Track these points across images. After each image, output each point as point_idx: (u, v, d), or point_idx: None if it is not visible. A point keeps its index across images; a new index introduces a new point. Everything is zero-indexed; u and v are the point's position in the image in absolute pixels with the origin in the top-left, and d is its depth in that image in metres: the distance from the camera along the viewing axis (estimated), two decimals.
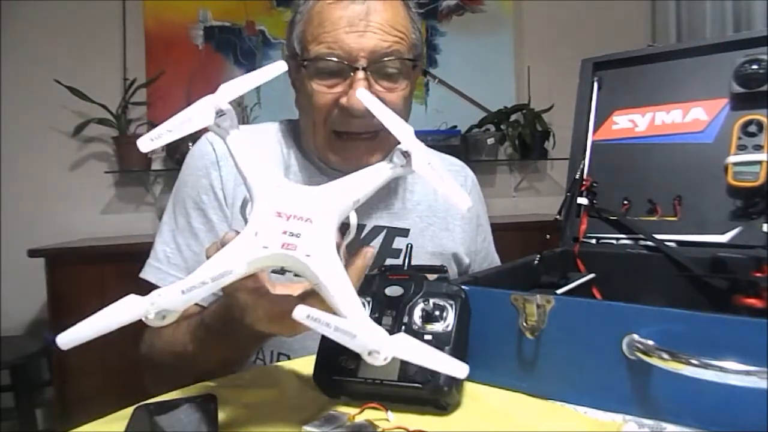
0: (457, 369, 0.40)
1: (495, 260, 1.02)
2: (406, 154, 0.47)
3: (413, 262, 0.75)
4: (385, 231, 0.85)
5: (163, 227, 0.82)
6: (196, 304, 0.79)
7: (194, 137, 0.64)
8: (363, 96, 0.52)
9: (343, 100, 0.74)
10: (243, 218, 0.47)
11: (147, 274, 0.80)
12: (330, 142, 0.79)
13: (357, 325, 0.40)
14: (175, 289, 0.41)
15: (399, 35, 0.75)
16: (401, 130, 0.48)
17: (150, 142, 0.43)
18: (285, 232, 0.43)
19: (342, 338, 0.39)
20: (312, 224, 0.44)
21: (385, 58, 0.74)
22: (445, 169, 0.46)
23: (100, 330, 0.39)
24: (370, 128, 0.76)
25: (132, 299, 0.40)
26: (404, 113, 0.80)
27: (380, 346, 0.39)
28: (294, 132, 0.88)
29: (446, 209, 0.90)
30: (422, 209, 0.89)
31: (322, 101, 0.76)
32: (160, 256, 0.80)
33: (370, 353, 0.39)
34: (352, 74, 0.73)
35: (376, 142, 0.78)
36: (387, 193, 0.87)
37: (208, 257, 0.46)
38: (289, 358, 0.81)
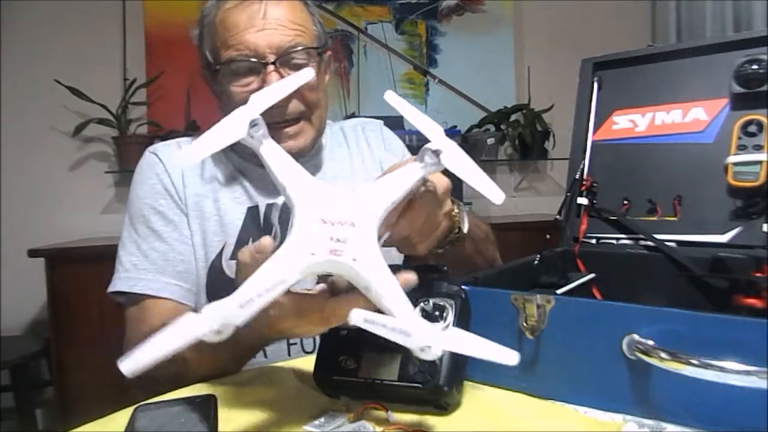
0: (509, 357, 0.42)
1: None
2: (436, 153, 0.47)
3: None
4: None
5: (124, 242, 0.85)
6: (188, 307, 0.81)
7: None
8: (390, 97, 0.53)
9: None
10: (274, 224, 0.46)
11: (116, 286, 0.81)
12: None
13: (410, 323, 0.42)
14: (231, 304, 0.41)
15: (299, 28, 0.81)
16: (431, 129, 0.49)
17: (189, 157, 0.44)
18: (331, 238, 0.44)
19: (397, 337, 0.41)
20: (355, 228, 0.44)
21: (291, 51, 0.80)
22: (475, 164, 0.47)
23: (162, 354, 0.39)
24: (292, 115, 0.82)
25: (190, 318, 0.40)
26: (320, 97, 0.86)
27: (433, 342, 0.41)
28: None
29: (364, 166, 0.96)
30: (347, 173, 0.95)
31: (241, 98, 0.79)
32: (127, 266, 0.82)
33: (422, 349, 0.41)
34: (263, 70, 0.79)
35: (298, 127, 0.84)
36: (316, 168, 0.93)
37: (242, 262, 0.48)
38: (264, 353, 0.82)
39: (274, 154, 0.48)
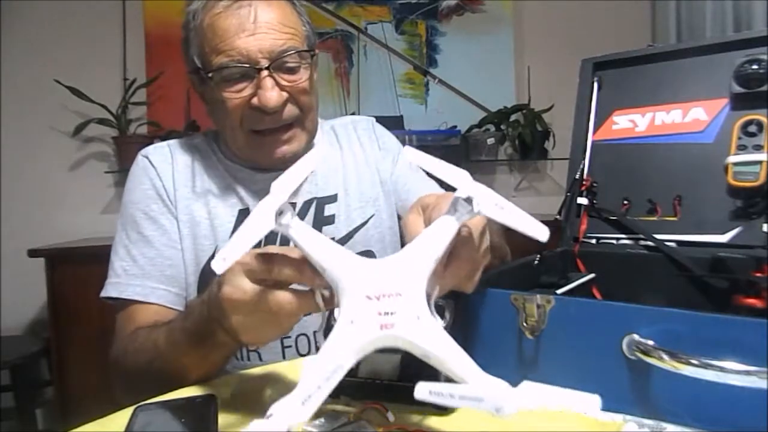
0: (590, 403, 0.43)
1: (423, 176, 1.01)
2: (468, 200, 0.46)
3: (344, 222, 0.82)
4: (315, 202, 0.90)
5: (116, 247, 0.85)
6: (176, 311, 0.80)
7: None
8: (411, 153, 0.49)
9: (254, 101, 0.79)
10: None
11: (108, 292, 0.82)
12: (249, 141, 0.83)
13: (479, 388, 0.41)
14: (294, 404, 0.40)
15: (290, 31, 0.80)
16: (458, 177, 0.46)
17: (223, 262, 0.44)
18: (380, 313, 0.43)
19: (469, 404, 0.41)
20: (402, 297, 0.43)
21: (284, 55, 0.78)
22: (510, 204, 0.46)
23: None
24: (287, 120, 0.82)
25: (259, 423, 0.39)
26: (312, 100, 0.85)
27: (506, 402, 0.40)
28: (215, 141, 0.93)
29: (356, 166, 0.95)
30: (339, 173, 0.94)
31: (234, 105, 0.79)
32: (118, 272, 0.82)
33: (497, 410, 0.40)
34: (257, 75, 0.78)
35: (292, 133, 0.83)
36: None
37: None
38: (259, 356, 0.83)
39: (305, 235, 0.46)
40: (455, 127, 2.58)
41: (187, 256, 0.84)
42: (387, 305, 0.43)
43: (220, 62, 0.77)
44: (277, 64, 0.78)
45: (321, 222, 0.89)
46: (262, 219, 0.45)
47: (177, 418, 0.50)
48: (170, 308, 0.81)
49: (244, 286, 0.49)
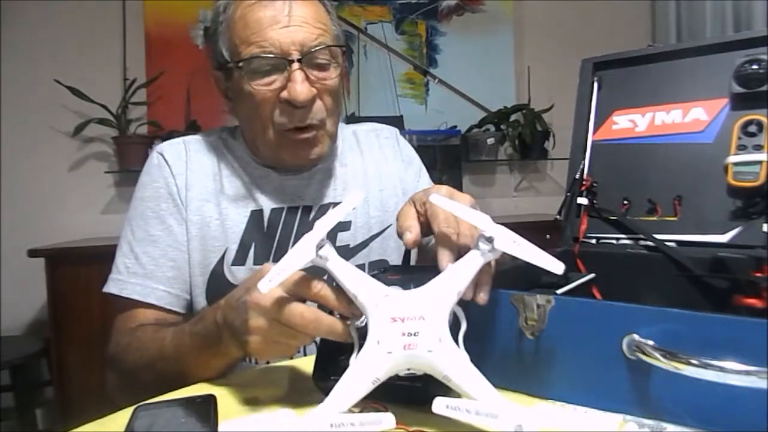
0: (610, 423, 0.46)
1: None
2: (489, 239, 0.50)
3: (362, 230, 0.85)
4: (331, 207, 0.89)
5: (121, 243, 0.85)
6: (175, 313, 0.81)
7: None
8: (437, 200, 0.55)
9: (284, 94, 0.78)
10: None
11: (109, 288, 0.82)
12: (278, 139, 0.82)
13: (495, 406, 0.44)
14: (329, 409, 0.45)
15: (323, 27, 0.80)
16: (480, 220, 0.51)
17: (269, 283, 0.48)
18: (403, 334, 0.46)
19: (484, 421, 0.44)
20: (425, 321, 0.47)
21: (316, 49, 0.78)
22: (527, 242, 0.50)
23: None
24: (314, 117, 0.80)
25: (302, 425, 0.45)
26: (338, 99, 0.85)
27: (523, 420, 0.43)
28: (237, 137, 0.92)
29: (378, 174, 0.95)
30: (359, 180, 0.93)
31: (264, 98, 0.79)
32: (120, 268, 0.82)
33: (515, 429, 0.43)
34: (287, 68, 0.77)
35: (320, 134, 0.83)
36: (326, 174, 0.91)
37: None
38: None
39: (341, 268, 0.51)
40: (455, 127, 2.58)
41: (194, 257, 0.83)
42: (410, 327, 0.47)
43: (251, 52, 0.76)
44: (308, 58, 0.78)
45: (337, 227, 0.88)
46: (305, 250, 0.50)
47: (177, 418, 0.50)
48: (169, 309, 0.81)
49: (274, 293, 0.52)
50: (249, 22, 0.77)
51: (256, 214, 0.85)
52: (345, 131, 0.99)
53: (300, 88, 0.76)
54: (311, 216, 0.87)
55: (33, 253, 1.93)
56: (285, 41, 0.76)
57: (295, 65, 0.76)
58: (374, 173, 0.95)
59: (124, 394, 0.73)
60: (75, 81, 2.21)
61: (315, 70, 0.79)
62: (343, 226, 0.89)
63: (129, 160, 2.27)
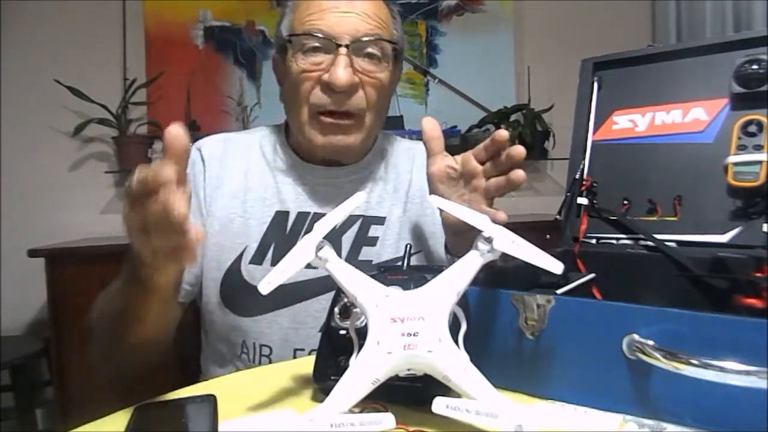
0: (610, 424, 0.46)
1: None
2: (488, 239, 0.50)
3: (390, 248, 0.84)
4: (360, 220, 0.88)
5: None
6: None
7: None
8: (436, 200, 0.57)
9: (325, 77, 0.78)
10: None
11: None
12: (312, 120, 0.82)
13: (495, 405, 0.44)
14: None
15: (380, 22, 0.81)
16: (479, 220, 0.52)
17: (268, 285, 0.49)
18: (403, 334, 0.47)
19: (485, 420, 0.44)
20: (425, 321, 0.47)
21: (366, 38, 0.78)
22: (528, 243, 0.50)
23: None
24: (351, 107, 0.80)
25: (302, 425, 0.44)
26: (383, 97, 0.84)
27: (523, 420, 0.43)
28: (279, 134, 0.92)
29: (422, 194, 0.91)
30: (400, 196, 0.91)
31: (306, 76, 0.79)
32: None
33: (515, 429, 0.43)
34: (335, 51, 0.77)
35: (354, 122, 0.82)
36: (361, 185, 0.90)
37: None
38: (270, 350, 0.83)
39: (340, 269, 0.51)
40: (455, 127, 2.58)
41: (210, 252, 0.84)
42: (410, 327, 0.47)
43: (304, 29, 0.78)
44: (358, 47, 0.78)
45: (362, 241, 0.87)
46: (304, 251, 0.50)
47: (177, 418, 0.50)
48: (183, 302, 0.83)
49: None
50: (310, 6, 0.79)
51: (281, 216, 0.85)
52: (402, 144, 0.97)
53: (341, 72, 0.76)
54: (338, 225, 0.86)
55: (33, 253, 1.93)
56: (339, 26, 0.77)
57: (343, 50, 0.77)
58: (418, 196, 0.91)
59: (99, 358, 0.75)
60: (75, 81, 2.21)
61: (363, 60, 0.79)
62: (370, 240, 0.87)
63: (129, 160, 2.27)
